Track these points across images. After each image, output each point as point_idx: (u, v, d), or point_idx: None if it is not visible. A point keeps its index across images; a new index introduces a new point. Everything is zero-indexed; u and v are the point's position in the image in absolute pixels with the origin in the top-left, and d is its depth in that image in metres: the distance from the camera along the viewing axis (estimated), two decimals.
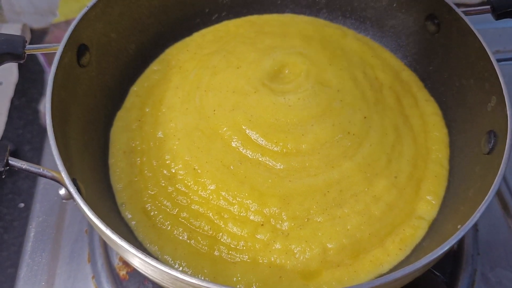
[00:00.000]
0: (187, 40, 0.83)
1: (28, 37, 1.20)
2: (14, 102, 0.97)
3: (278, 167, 0.65)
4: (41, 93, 0.99)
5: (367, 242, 0.62)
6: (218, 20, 0.85)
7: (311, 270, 0.60)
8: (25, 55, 0.61)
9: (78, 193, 0.52)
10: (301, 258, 0.60)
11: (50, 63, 1.15)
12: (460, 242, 0.75)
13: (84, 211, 0.51)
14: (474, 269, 0.74)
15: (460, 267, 0.73)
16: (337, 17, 0.85)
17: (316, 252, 0.61)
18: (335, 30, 0.83)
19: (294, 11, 0.86)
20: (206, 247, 0.61)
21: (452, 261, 0.73)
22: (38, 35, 1.20)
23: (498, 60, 0.94)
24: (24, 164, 0.53)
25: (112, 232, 0.49)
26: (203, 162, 0.66)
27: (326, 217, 0.62)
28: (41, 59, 1.18)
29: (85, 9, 0.66)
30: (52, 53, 1.12)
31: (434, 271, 0.68)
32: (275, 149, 0.66)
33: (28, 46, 0.61)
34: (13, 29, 1.21)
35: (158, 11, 0.78)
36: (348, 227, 0.62)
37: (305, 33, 0.82)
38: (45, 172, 0.53)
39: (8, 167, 0.52)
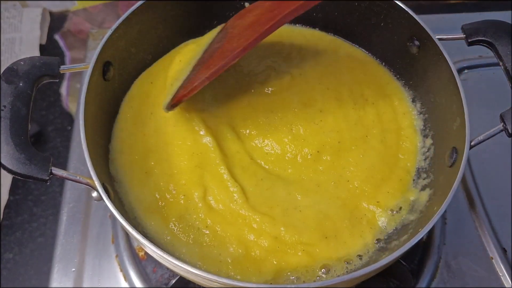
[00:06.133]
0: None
1: (47, 20, 1.28)
2: None
3: None
4: (62, 75, 1.05)
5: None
6: None
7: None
8: (60, 74, 0.70)
9: (108, 198, 0.62)
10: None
11: (68, 47, 1.24)
12: (430, 234, 0.84)
13: (112, 212, 0.62)
14: (439, 257, 0.83)
15: (427, 256, 0.82)
16: (331, 30, 0.91)
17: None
18: (329, 43, 0.88)
19: (291, 22, 0.91)
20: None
21: (421, 250, 0.83)
22: (57, 18, 1.28)
23: (479, 66, 1.04)
24: (64, 173, 0.62)
25: (137, 233, 0.60)
26: None
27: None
28: (61, 43, 1.26)
29: (109, 32, 0.73)
30: (69, 36, 1.19)
31: (401, 261, 0.77)
32: None
33: (62, 67, 0.69)
34: (33, 13, 1.29)
35: (170, 25, 0.85)
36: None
37: (300, 46, 0.86)
38: (81, 179, 0.63)
39: (51, 175, 0.62)
